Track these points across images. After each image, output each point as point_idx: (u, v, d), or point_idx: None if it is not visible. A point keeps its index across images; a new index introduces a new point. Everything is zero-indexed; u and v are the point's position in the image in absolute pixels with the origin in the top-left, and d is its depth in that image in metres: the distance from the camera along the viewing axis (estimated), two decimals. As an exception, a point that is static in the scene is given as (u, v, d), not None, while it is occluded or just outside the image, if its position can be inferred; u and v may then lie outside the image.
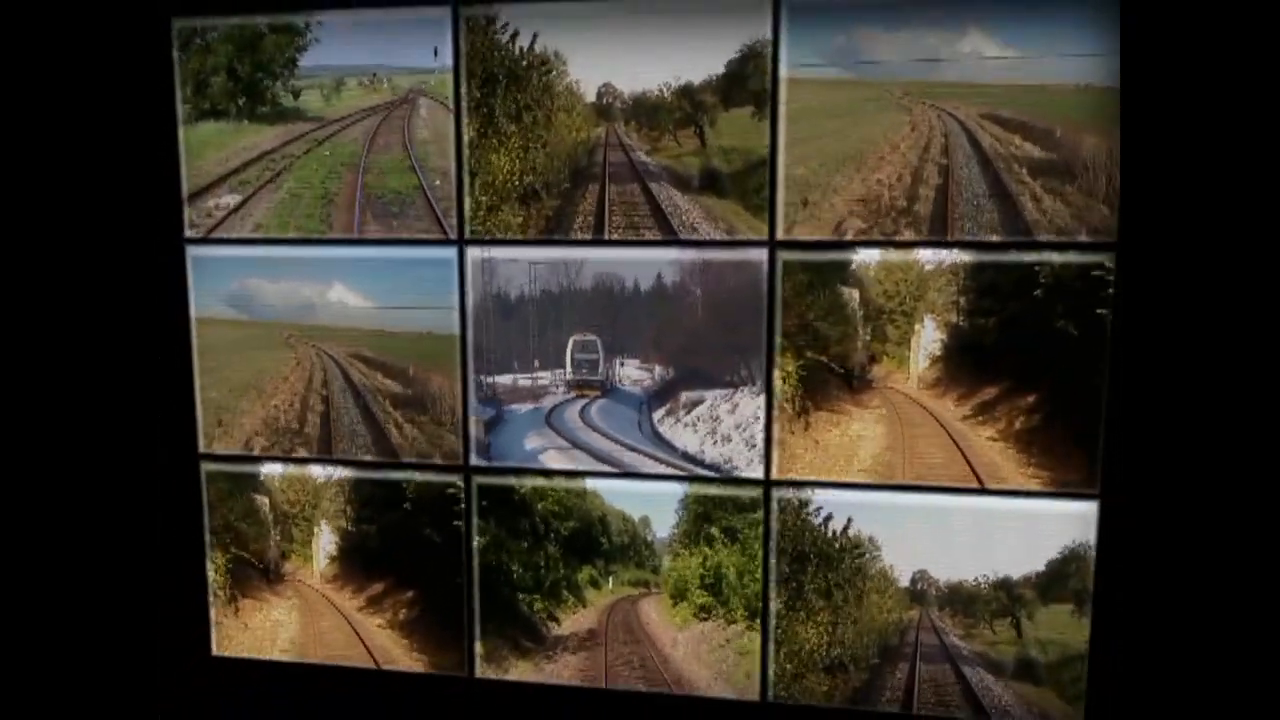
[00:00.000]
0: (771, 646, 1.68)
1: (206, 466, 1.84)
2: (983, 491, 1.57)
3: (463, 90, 1.64)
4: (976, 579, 1.60)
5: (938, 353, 1.56)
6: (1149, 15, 1.40)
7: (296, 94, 1.72)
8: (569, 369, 1.70)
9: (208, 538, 1.87)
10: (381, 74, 1.68)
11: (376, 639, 1.82)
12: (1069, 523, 1.55)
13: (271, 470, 1.82)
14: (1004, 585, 1.59)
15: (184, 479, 1.84)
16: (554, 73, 1.62)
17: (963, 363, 1.55)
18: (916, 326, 1.56)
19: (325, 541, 1.82)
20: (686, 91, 1.58)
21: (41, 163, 1.75)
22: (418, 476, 1.76)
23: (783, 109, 1.54)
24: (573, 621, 1.75)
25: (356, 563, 1.82)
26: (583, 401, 1.70)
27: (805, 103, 1.54)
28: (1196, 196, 1.42)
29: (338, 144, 1.71)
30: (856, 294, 1.57)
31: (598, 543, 1.73)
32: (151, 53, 1.72)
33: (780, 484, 1.63)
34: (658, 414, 1.68)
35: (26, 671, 1.95)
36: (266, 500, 1.83)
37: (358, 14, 1.66)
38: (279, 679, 1.90)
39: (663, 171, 1.60)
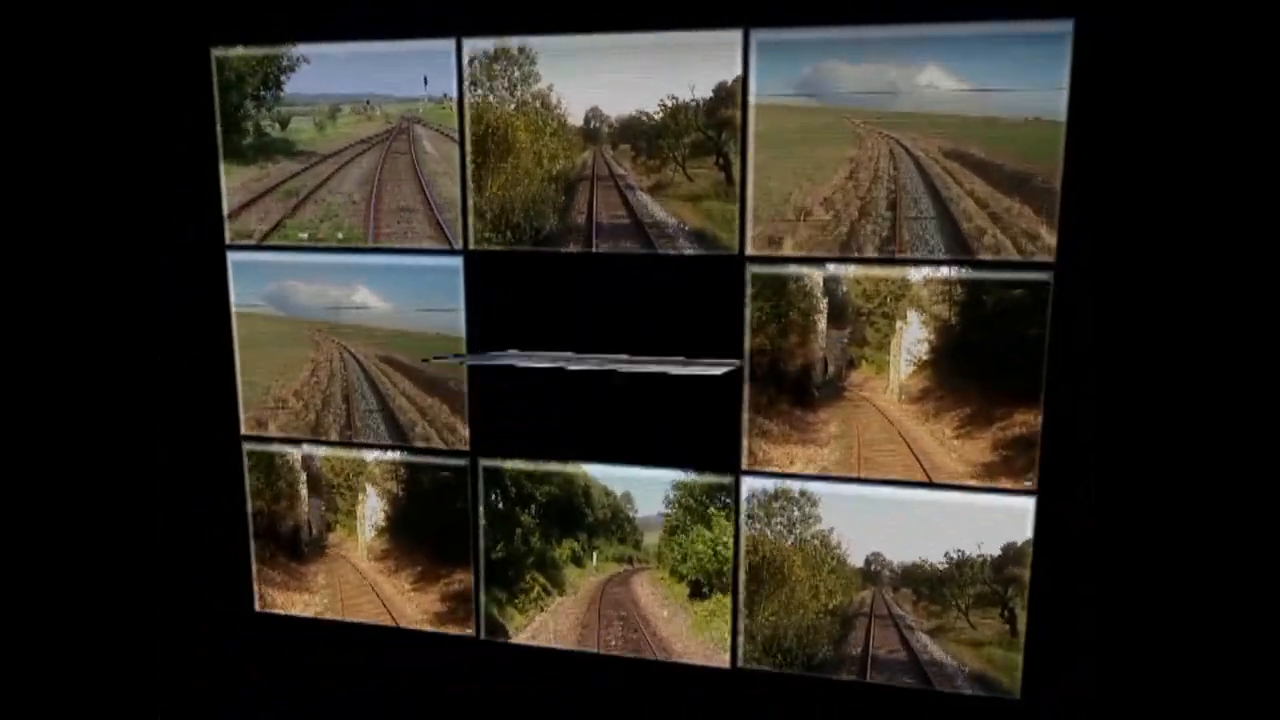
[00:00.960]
0: (741, 618, 1.86)
1: (247, 446, 2.08)
2: (930, 485, 1.72)
3: (467, 121, 1.81)
4: (925, 561, 1.76)
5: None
6: (1099, 49, 1.50)
7: (284, 123, 1.90)
8: None
9: (249, 496, 2.09)
10: (374, 101, 1.84)
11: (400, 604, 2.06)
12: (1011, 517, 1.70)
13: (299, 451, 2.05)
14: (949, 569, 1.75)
15: (226, 448, 2.08)
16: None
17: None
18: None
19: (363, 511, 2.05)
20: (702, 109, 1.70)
21: (107, 184, 1.99)
22: (430, 460, 1.98)
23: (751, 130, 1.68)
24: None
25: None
26: None
27: (774, 126, 1.68)
28: (1133, 219, 1.53)
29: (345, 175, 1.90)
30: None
31: (581, 515, 1.92)
32: (193, 83, 1.93)
33: (750, 474, 1.81)
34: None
35: (73, 628, 2.22)
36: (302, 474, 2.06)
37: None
38: (321, 636, 2.10)
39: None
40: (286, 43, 1.86)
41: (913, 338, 1.68)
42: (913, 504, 1.73)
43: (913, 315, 1.67)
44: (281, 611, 2.13)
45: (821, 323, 1.71)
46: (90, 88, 1.94)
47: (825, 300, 1.71)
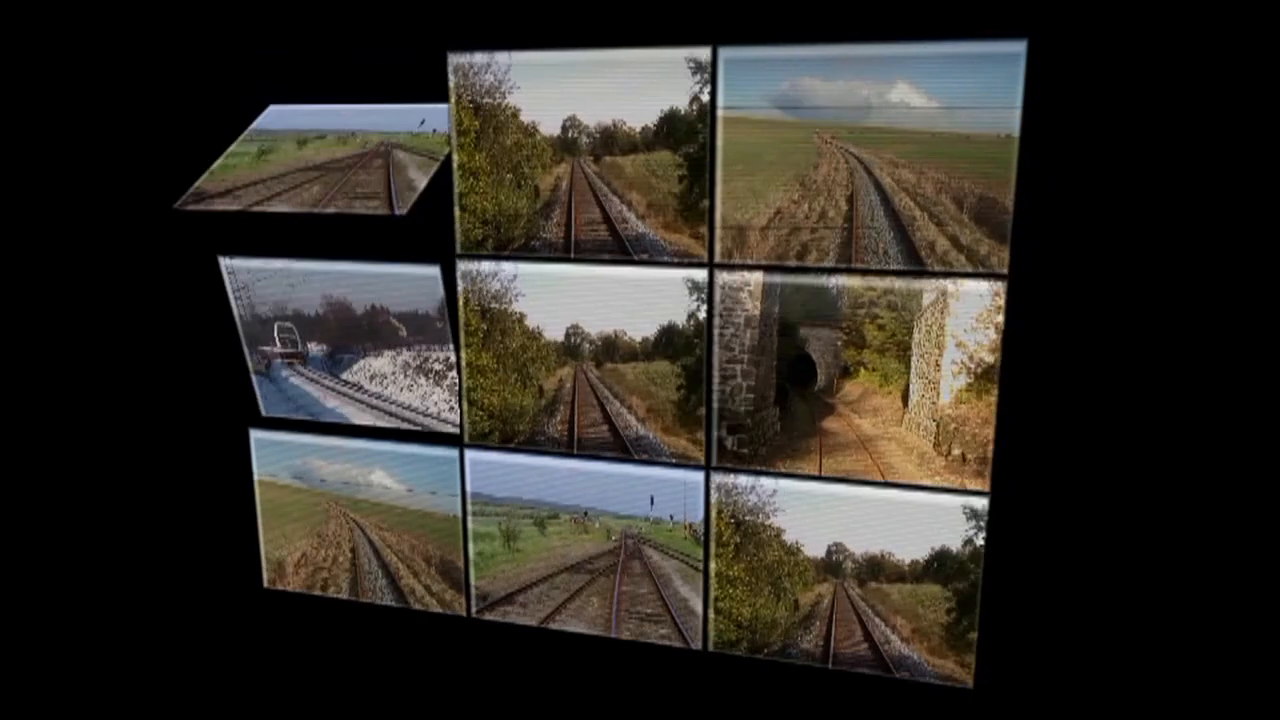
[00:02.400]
0: (711, 604, 1.96)
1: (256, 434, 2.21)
2: (887, 484, 1.80)
3: (454, 139, 1.90)
4: (882, 552, 1.84)
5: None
6: (1051, 67, 1.55)
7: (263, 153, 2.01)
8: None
9: (256, 470, 2.22)
10: (360, 134, 1.95)
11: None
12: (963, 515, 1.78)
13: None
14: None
15: (234, 426, 2.20)
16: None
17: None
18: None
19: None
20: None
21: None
22: (417, 450, 2.09)
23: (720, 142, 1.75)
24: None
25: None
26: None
27: (744, 138, 1.75)
28: (1086, 231, 1.58)
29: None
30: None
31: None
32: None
33: (719, 470, 1.90)
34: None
35: (80, 603, 2.34)
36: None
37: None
38: (329, 614, 2.21)
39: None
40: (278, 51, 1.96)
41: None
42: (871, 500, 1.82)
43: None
44: (289, 589, 2.26)
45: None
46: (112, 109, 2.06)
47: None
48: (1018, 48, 1.56)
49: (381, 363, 2.07)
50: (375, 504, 2.15)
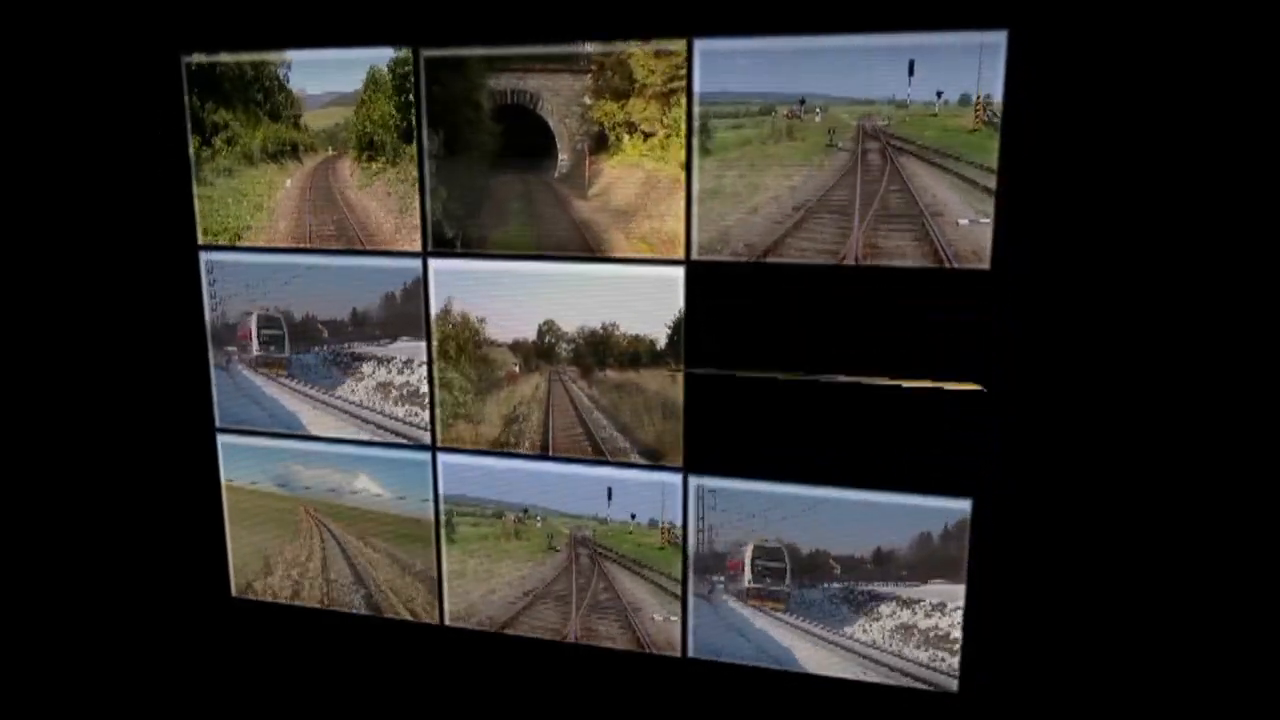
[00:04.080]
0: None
1: (222, 440, 2.15)
2: (870, 486, 1.77)
3: (424, 134, 1.86)
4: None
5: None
6: (1031, 57, 1.53)
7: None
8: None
9: (223, 472, 2.15)
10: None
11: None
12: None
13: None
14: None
15: (200, 432, 2.15)
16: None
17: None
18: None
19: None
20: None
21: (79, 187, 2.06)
22: (390, 454, 2.04)
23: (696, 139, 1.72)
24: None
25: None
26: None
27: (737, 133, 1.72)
28: (1066, 224, 1.56)
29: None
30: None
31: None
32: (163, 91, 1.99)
33: (694, 471, 1.86)
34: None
35: (45, 613, 2.29)
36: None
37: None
38: (298, 623, 2.16)
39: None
40: (247, 50, 1.92)
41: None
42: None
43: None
44: (258, 598, 2.20)
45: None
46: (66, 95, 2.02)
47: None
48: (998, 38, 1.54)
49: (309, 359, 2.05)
50: (351, 509, 2.09)
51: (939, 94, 1.60)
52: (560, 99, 1.79)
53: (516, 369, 1.91)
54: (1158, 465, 1.59)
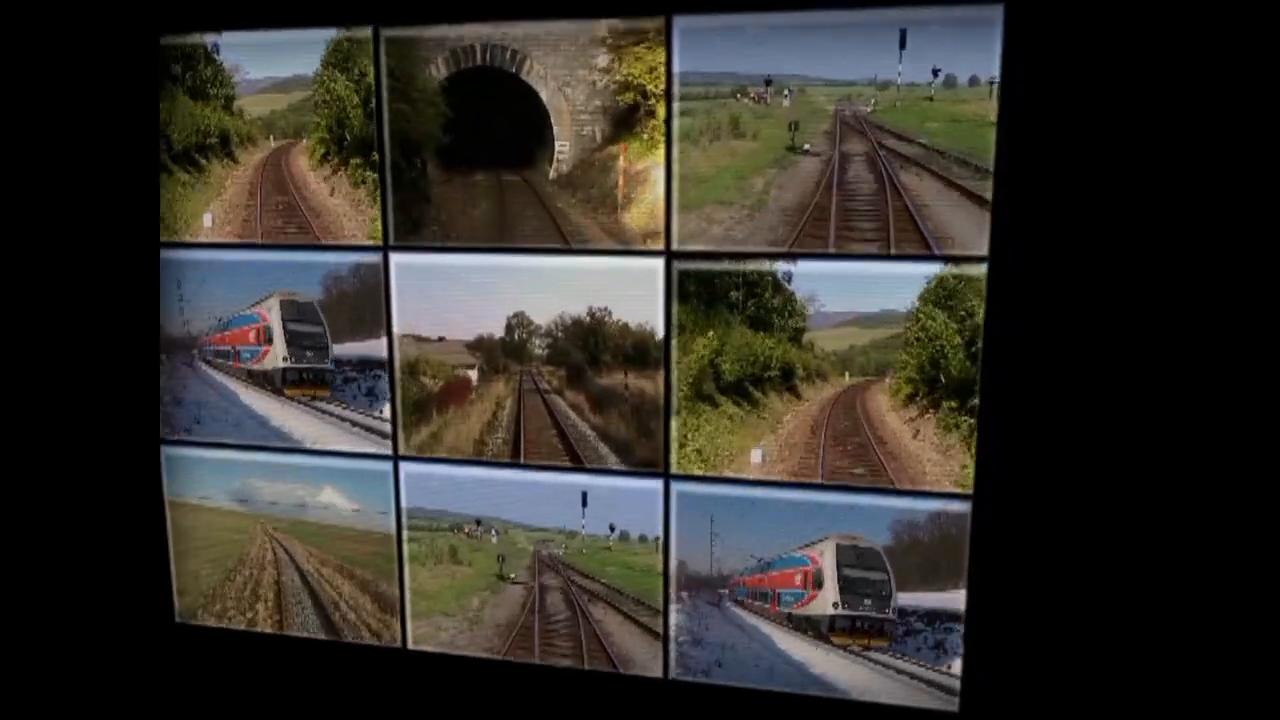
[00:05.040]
0: (672, 629, 1.79)
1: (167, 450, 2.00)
2: (867, 490, 1.66)
3: (384, 112, 1.75)
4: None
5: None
6: (1027, 41, 1.46)
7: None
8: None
9: (168, 501, 2.00)
10: None
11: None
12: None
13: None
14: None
15: (144, 451, 1.99)
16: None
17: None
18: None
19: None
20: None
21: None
22: (350, 464, 1.90)
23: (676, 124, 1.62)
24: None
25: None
26: None
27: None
28: (1064, 214, 1.48)
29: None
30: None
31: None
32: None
33: (679, 478, 1.74)
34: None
35: None
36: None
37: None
38: (243, 648, 2.03)
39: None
40: (214, 30, 1.79)
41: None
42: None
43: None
44: (202, 623, 2.04)
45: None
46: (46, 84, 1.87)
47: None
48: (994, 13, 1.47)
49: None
50: (317, 526, 1.95)
51: (935, 72, 1.51)
52: (559, 58, 1.66)
53: (472, 375, 1.78)
54: (1163, 467, 1.53)
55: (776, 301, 1.63)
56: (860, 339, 1.61)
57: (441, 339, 1.79)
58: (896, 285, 1.58)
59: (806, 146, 1.57)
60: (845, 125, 1.55)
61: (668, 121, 1.62)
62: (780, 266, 1.62)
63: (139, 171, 1.86)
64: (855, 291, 1.60)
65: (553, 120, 1.67)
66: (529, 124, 1.67)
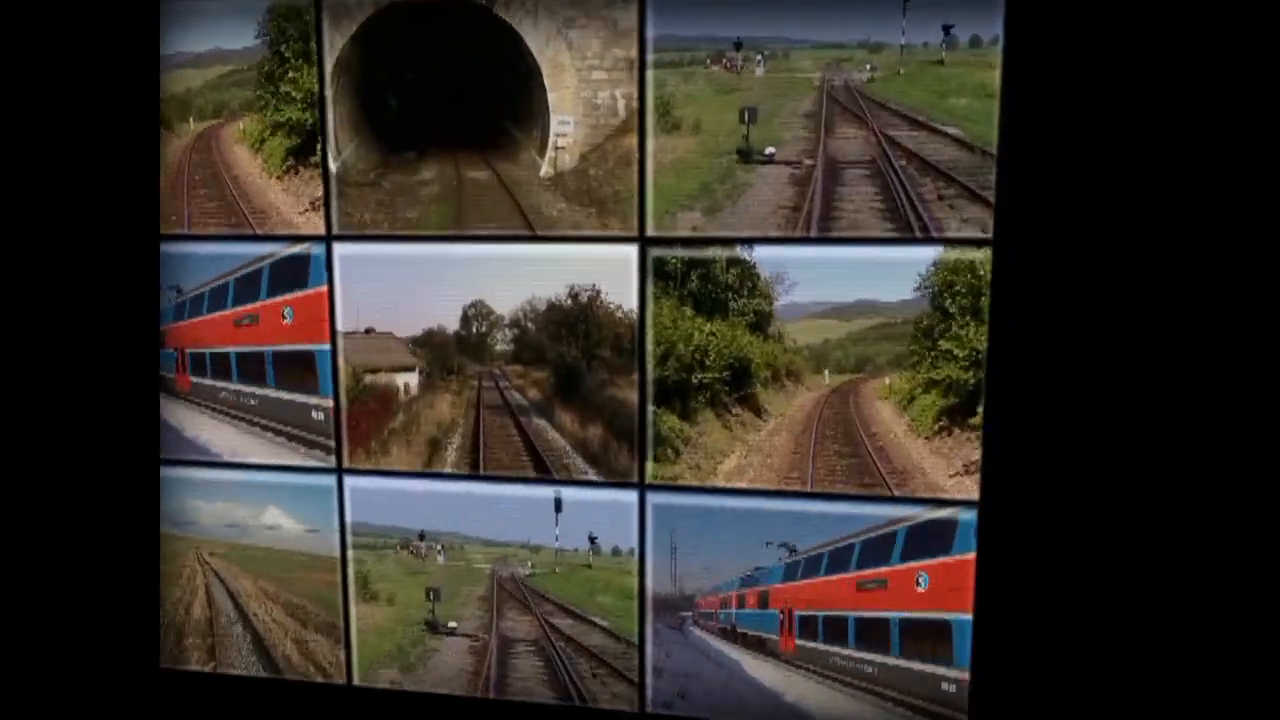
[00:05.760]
0: (649, 660, 1.62)
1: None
2: (865, 499, 1.51)
3: (328, 93, 1.58)
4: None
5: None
6: (1030, 17, 1.34)
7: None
8: None
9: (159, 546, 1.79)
10: None
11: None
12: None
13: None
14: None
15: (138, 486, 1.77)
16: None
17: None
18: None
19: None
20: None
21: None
22: (291, 479, 1.72)
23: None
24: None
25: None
26: None
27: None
28: (1072, 196, 1.37)
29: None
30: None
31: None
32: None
33: (654, 488, 1.57)
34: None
35: None
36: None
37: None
38: (230, 693, 1.83)
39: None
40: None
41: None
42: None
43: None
44: (187, 668, 1.83)
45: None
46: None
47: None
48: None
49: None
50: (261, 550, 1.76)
51: (947, 30, 1.35)
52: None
53: (409, 381, 1.59)
54: (1180, 468, 1.43)
55: (730, 277, 1.45)
56: (836, 331, 1.46)
57: (370, 331, 1.60)
58: (889, 272, 1.43)
59: (770, 151, 1.41)
60: (834, 103, 1.40)
61: (640, 93, 1.46)
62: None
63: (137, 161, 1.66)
64: (841, 278, 1.44)
65: (546, 81, 1.44)
66: (505, 86, 1.43)
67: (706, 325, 1.47)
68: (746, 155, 1.40)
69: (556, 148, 1.47)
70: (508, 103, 1.42)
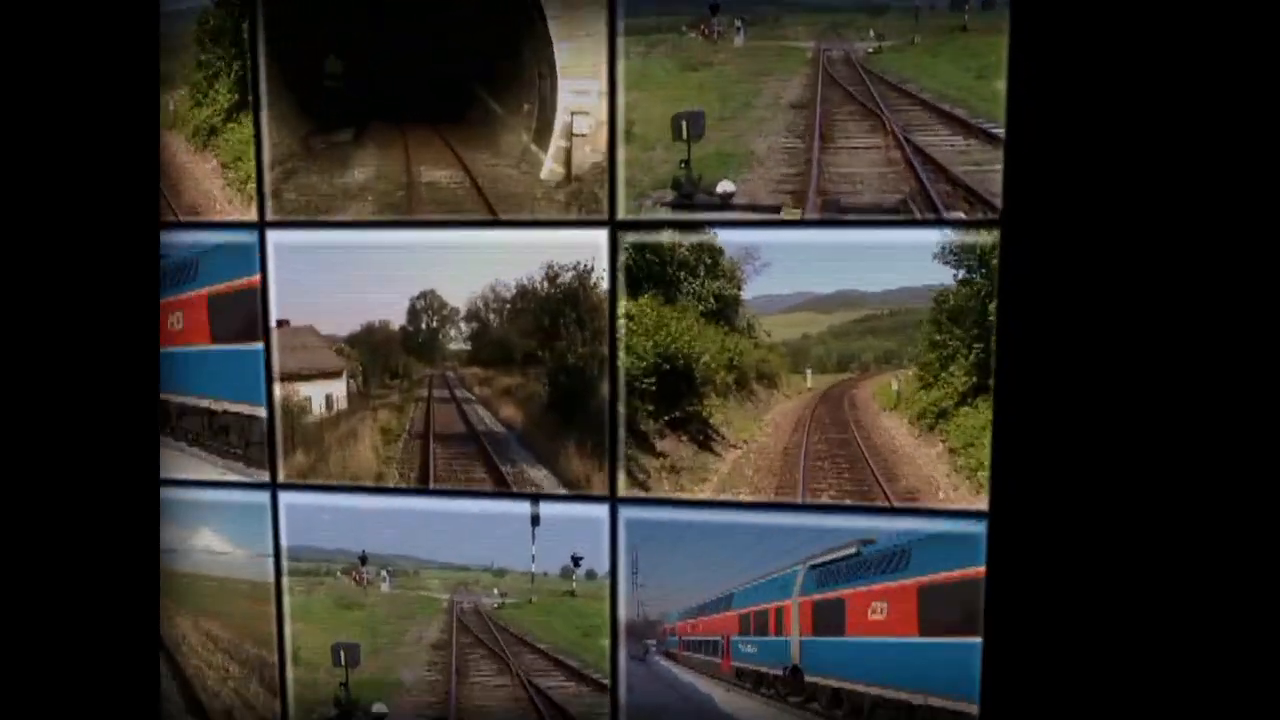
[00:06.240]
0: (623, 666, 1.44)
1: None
2: (867, 511, 1.36)
3: (261, 78, 1.41)
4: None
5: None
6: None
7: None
8: None
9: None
10: None
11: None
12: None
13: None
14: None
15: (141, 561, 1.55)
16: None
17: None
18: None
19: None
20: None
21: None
22: (226, 495, 1.53)
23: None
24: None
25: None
26: None
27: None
28: (1082, 172, 1.26)
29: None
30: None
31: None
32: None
33: (626, 502, 1.41)
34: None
35: None
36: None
37: None
38: None
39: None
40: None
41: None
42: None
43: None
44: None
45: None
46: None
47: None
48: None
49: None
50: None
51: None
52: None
53: (333, 391, 1.41)
54: (1206, 472, 1.32)
55: (685, 252, 1.25)
56: (816, 325, 1.29)
57: (283, 324, 1.40)
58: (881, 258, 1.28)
59: (725, 190, 1.25)
60: (832, 86, 1.24)
61: (610, 62, 1.31)
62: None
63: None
64: (823, 264, 1.28)
65: (551, 24, 1.21)
66: (493, 45, 1.22)
67: (627, 304, 1.26)
68: (686, 192, 1.24)
69: (574, 135, 1.29)
70: (485, 53, 1.22)
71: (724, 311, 1.27)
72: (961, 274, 1.21)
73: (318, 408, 1.37)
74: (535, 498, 1.42)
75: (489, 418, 1.40)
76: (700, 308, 1.27)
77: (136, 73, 1.41)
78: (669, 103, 1.23)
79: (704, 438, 1.30)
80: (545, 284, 1.30)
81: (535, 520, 1.38)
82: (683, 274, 1.26)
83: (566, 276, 1.29)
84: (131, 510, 1.46)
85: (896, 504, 1.33)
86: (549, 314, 1.31)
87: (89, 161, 1.40)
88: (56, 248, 1.42)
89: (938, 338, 1.23)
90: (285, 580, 1.52)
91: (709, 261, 1.25)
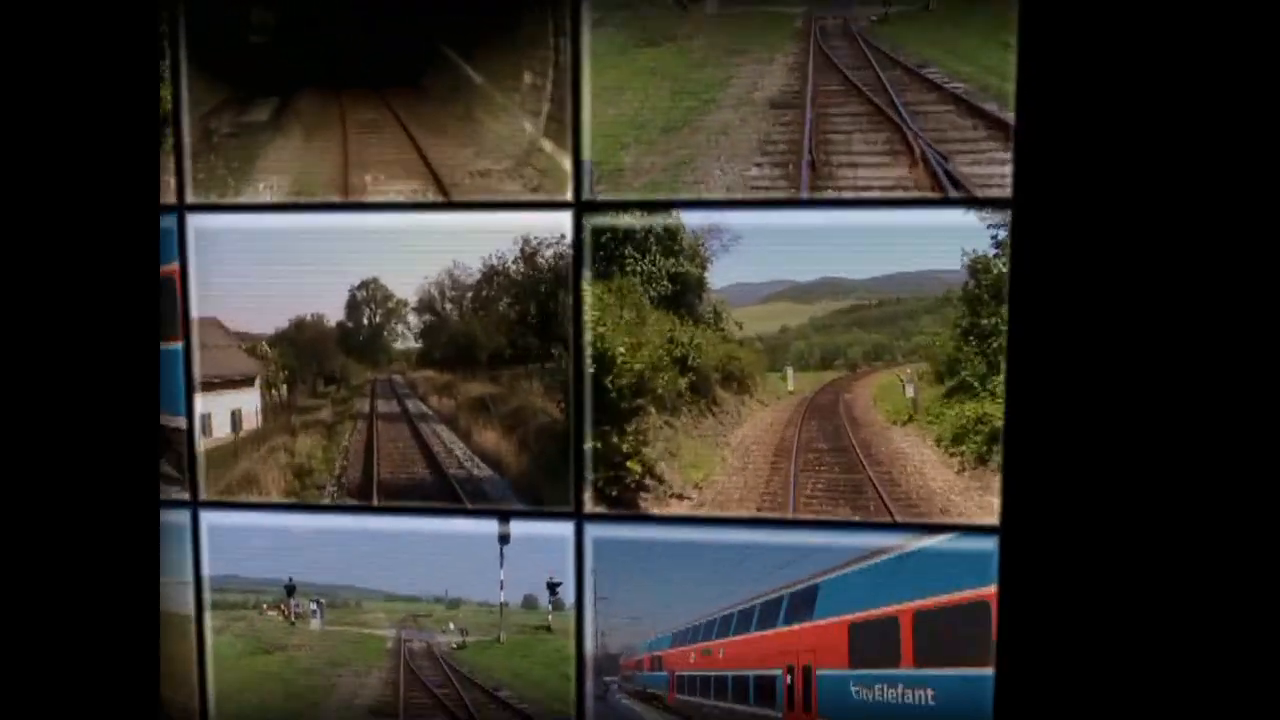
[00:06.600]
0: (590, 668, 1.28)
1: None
2: (869, 526, 1.21)
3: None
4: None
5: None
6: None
7: None
8: None
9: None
10: None
11: None
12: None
13: None
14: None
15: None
16: None
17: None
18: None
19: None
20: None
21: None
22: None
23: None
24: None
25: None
26: None
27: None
28: (1094, 153, 1.17)
29: None
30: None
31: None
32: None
33: (591, 518, 1.25)
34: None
35: None
36: None
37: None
38: None
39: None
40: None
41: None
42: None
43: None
44: None
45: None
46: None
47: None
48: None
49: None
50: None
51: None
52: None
53: (244, 405, 1.23)
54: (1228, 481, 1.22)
55: (633, 220, 1.06)
56: (797, 317, 1.12)
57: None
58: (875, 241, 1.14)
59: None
60: (828, 71, 1.09)
61: (574, 34, 1.17)
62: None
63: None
64: (807, 248, 1.12)
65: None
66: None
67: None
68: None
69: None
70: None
71: (683, 296, 1.09)
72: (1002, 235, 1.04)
73: (219, 429, 1.17)
74: (497, 514, 1.25)
75: (460, 448, 1.21)
76: (650, 291, 1.10)
77: (136, 73, 1.26)
78: (601, 96, 1.06)
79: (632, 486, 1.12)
80: (517, 262, 1.10)
81: (504, 539, 1.18)
82: (626, 249, 1.08)
83: (547, 254, 1.09)
84: (132, 511, 1.29)
85: (900, 520, 1.18)
86: (533, 300, 1.11)
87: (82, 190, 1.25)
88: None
89: (971, 321, 1.05)
90: (207, 615, 1.33)
91: (662, 233, 1.07)
